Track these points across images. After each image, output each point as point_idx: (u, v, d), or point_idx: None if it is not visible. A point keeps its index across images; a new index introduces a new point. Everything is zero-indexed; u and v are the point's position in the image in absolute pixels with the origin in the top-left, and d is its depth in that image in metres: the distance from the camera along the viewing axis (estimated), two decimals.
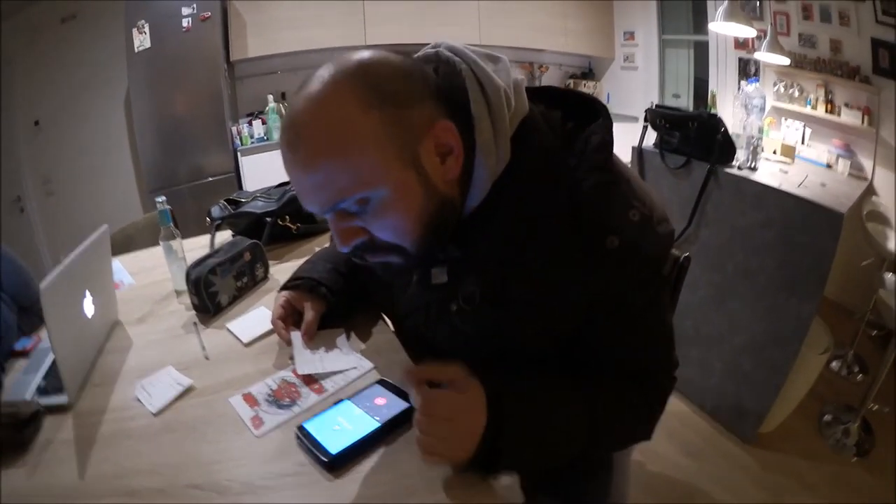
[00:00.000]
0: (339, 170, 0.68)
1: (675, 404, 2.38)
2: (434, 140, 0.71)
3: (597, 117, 0.79)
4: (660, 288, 0.84)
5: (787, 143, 2.79)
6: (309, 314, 1.05)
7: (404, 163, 0.69)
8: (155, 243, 1.66)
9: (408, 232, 0.73)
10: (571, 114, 0.82)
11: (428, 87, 0.72)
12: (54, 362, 1.09)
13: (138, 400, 0.98)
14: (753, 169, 2.25)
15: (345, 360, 1.02)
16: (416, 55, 0.80)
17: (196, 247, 1.55)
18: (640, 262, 0.76)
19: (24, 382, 1.04)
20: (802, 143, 3.00)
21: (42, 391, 1.02)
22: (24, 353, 1.17)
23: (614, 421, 0.84)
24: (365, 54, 0.71)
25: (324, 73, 0.69)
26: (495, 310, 0.81)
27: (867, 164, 2.86)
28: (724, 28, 2.56)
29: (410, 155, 0.70)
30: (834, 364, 2.59)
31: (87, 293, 1.09)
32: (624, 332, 0.82)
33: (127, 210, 3.65)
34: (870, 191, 2.77)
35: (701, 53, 3.92)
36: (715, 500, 1.91)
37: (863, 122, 2.85)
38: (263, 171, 3.74)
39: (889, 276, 2.12)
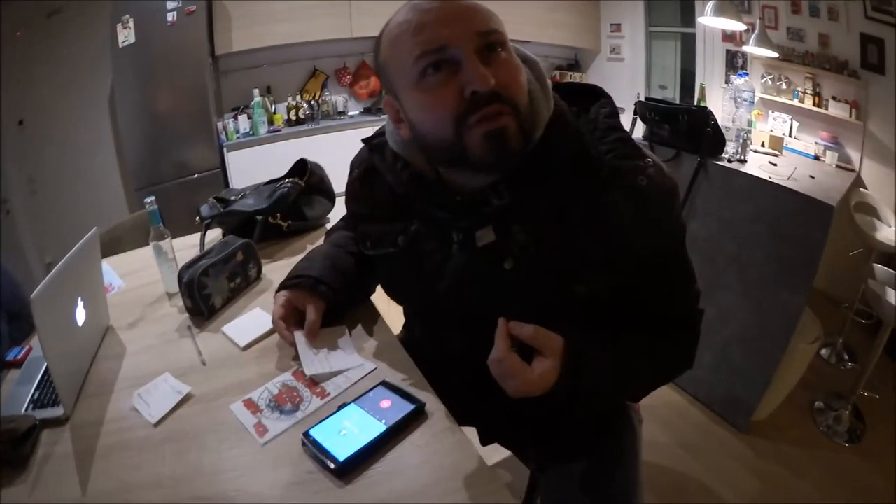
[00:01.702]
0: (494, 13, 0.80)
1: (670, 395, 2.40)
2: None
3: (597, 100, 0.90)
4: (683, 228, 0.90)
5: (774, 135, 2.81)
6: (312, 314, 1.03)
7: None
8: (143, 243, 1.63)
9: (523, 84, 0.80)
10: (574, 102, 0.90)
11: None
12: (47, 373, 1.07)
13: (136, 409, 0.95)
14: (743, 161, 2.28)
15: (350, 358, 1.01)
16: None
17: (185, 246, 1.51)
18: (666, 195, 0.84)
19: (19, 395, 1.02)
20: (790, 135, 3.03)
21: (37, 403, 0.99)
22: (15, 364, 1.13)
23: (665, 360, 0.93)
24: None
25: None
26: (550, 259, 0.83)
27: (854, 156, 2.89)
28: (713, 22, 2.57)
29: None
30: (824, 352, 2.62)
31: (79, 300, 1.06)
32: (663, 278, 0.88)
33: (113, 208, 3.59)
34: (857, 182, 2.80)
35: (688, 45, 3.91)
36: (710, 489, 1.93)
37: (850, 115, 2.87)
38: (250, 166, 3.69)
39: (879, 266, 2.15)
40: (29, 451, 0.88)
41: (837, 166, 2.85)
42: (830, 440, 2.14)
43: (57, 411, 0.96)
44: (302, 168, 1.59)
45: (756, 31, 2.76)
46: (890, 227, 2.49)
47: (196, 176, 3.61)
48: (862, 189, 2.75)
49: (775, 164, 2.42)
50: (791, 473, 1.99)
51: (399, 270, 0.98)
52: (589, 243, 0.82)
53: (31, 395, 1.01)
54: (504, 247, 0.84)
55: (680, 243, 0.90)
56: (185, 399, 0.97)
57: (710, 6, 2.51)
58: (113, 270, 1.48)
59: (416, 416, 0.85)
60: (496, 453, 1.63)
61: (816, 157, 2.88)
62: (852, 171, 2.85)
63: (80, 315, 1.07)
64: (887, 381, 2.36)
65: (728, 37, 3.48)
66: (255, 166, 3.62)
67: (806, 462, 2.04)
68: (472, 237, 0.87)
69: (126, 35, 3.20)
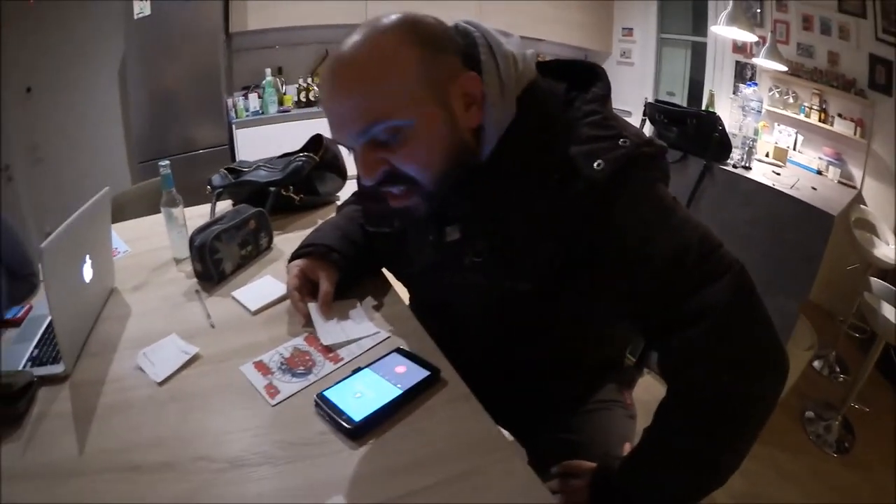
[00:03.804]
0: (377, 95, 0.73)
1: (661, 394, 2.41)
2: (461, 87, 0.77)
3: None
4: (671, 204, 0.80)
5: (779, 147, 2.84)
6: (324, 285, 1.03)
7: (436, 100, 0.75)
8: (145, 213, 1.62)
9: (430, 164, 0.77)
10: (577, 84, 0.86)
11: (456, 45, 0.79)
12: (48, 331, 1.05)
13: (140, 369, 0.94)
14: (747, 168, 2.31)
15: (365, 326, 1.01)
16: None
17: (191, 216, 1.48)
18: (631, 182, 0.76)
19: (16, 352, 0.99)
20: (794, 148, 3.06)
21: (35, 361, 0.97)
22: (13, 323, 1.11)
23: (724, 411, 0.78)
24: (404, 11, 0.78)
25: (368, 21, 0.76)
26: (504, 261, 0.83)
27: (856, 173, 2.92)
28: (725, 31, 2.60)
29: (442, 94, 0.75)
30: (816, 364, 2.64)
31: (87, 258, 1.05)
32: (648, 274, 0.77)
33: (116, 180, 3.54)
34: (858, 199, 2.83)
35: (698, 54, 3.94)
36: None
37: (855, 133, 2.90)
38: (258, 143, 3.67)
39: (875, 279, 2.17)
40: (24, 408, 0.85)
41: (839, 182, 2.88)
42: (819, 449, 2.17)
43: (56, 368, 0.93)
44: (317, 143, 1.59)
45: (767, 44, 2.78)
46: (888, 244, 2.51)
47: (202, 151, 3.60)
48: (862, 206, 2.78)
49: (779, 174, 2.45)
50: (775, 475, 2.02)
51: (393, 248, 1.01)
52: (537, 244, 0.80)
53: (29, 352, 0.99)
54: (466, 244, 0.86)
55: (662, 225, 0.78)
56: (193, 359, 0.96)
57: (723, 15, 2.54)
58: (118, 236, 1.47)
59: (432, 383, 0.85)
60: None
61: (819, 172, 2.91)
62: (853, 187, 2.88)
63: (87, 272, 1.06)
64: (879, 395, 2.39)
65: (738, 48, 3.50)
66: (263, 144, 3.57)
67: (793, 467, 2.06)
68: (444, 233, 0.89)
69: (142, 7, 3.17)
